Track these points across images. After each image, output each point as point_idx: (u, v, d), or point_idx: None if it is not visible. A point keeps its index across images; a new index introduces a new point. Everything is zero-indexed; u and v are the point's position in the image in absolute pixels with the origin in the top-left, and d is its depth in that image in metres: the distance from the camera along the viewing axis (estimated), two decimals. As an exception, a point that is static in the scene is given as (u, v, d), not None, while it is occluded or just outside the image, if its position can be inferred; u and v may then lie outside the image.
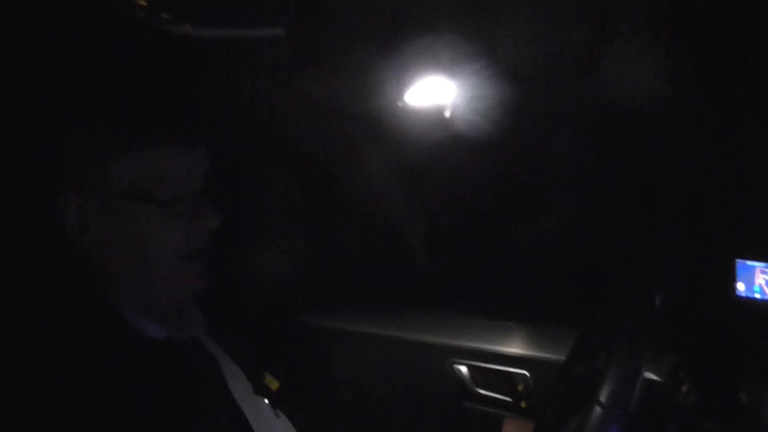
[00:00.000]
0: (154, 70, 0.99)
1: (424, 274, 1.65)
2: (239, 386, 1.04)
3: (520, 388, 1.37)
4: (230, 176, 1.06)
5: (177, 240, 0.92)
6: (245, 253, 1.36)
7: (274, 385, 1.11)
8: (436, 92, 1.12)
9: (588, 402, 0.80)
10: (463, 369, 1.46)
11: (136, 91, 0.93)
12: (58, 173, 0.90)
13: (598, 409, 0.77)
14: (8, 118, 0.97)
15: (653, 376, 1.12)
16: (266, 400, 1.08)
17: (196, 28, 0.93)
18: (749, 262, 1.14)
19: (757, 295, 1.13)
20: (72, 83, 0.96)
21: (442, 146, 1.30)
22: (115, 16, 0.94)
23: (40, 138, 0.93)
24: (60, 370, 0.81)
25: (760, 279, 1.13)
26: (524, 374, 1.36)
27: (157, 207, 0.89)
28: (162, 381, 0.88)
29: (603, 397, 0.78)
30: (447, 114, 1.15)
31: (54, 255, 0.93)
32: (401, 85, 1.10)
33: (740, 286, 1.14)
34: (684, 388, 0.98)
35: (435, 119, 1.16)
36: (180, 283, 0.95)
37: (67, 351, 0.83)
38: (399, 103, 1.15)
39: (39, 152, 0.92)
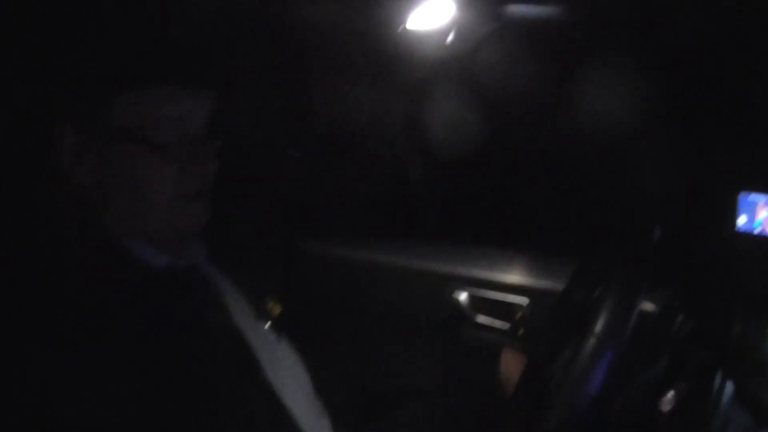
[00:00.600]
0: (157, 9, 0.97)
1: (425, 203, 1.66)
2: (241, 312, 1.05)
3: (518, 315, 1.39)
4: (233, 111, 1.04)
5: (172, 181, 0.91)
6: (247, 181, 1.36)
7: (276, 309, 1.13)
8: (438, 16, 1.08)
9: (583, 332, 0.81)
10: (463, 296, 1.48)
11: (138, 29, 0.91)
12: (56, 105, 0.89)
13: (592, 340, 0.78)
14: (10, 49, 0.96)
15: (649, 307, 1.14)
16: (268, 325, 1.10)
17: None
18: (752, 195, 1.13)
19: (758, 230, 1.13)
20: (75, 18, 0.94)
21: (444, 72, 1.27)
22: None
23: (40, 69, 0.92)
24: (60, 297, 0.82)
25: (762, 213, 1.12)
26: (523, 302, 1.38)
27: (149, 148, 0.88)
28: (163, 308, 0.90)
29: (598, 328, 0.79)
30: (449, 39, 1.11)
31: (52, 183, 0.93)
32: (403, 9, 1.07)
33: (741, 220, 1.14)
34: (679, 320, 1.00)
35: (437, 44, 1.13)
36: (178, 221, 0.95)
37: (67, 278, 0.84)
38: (400, 28, 1.11)
39: (39, 83, 0.91)
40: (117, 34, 0.90)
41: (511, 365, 1.18)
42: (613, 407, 0.88)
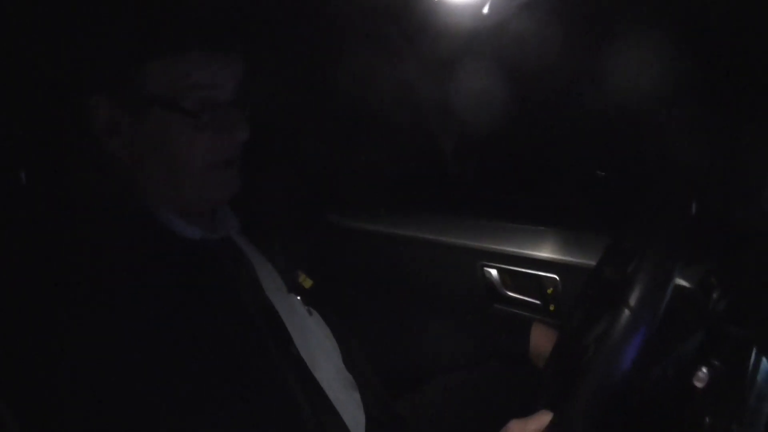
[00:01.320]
0: None
1: (456, 178, 1.64)
2: (272, 285, 1.06)
3: (549, 291, 1.38)
4: (263, 83, 1.04)
5: (204, 150, 0.92)
6: (278, 155, 1.36)
7: (308, 283, 1.14)
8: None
9: (616, 305, 0.80)
10: (494, 272, 1.48)
11: None
12: (89, 76, 0.90)
13: (626, 312, 0.77)
14: (40, 23, 0.96)
15: (684, 283, 1.12)
16: (299, 298, 1.11)
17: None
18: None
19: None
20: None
21: (478, 44, 1.25)
22: None
23: (71, 40, 0.92)
24: (97, 268, 0.83)
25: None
26: (554, 278, 1.37)
27: (183, 115, 0.89)
28: (196, 280, 0.90)
29: (632, 301, 0.78)
30: (485, 9, 1.09)
31: (86, 155, 0.94)
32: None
33: (780, 194, 1.11)
34: (714, 295, 0.98)
35: (472, 15, 1.11)
36: (210, 190, 0.96)
37: (103, 250, 0.85)
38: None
39: (69, 55, 0.92)
40: (145, 2, 0.90)
41: (542, 340, 1.17)
42: (646, 382, 0.88)
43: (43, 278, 0.83)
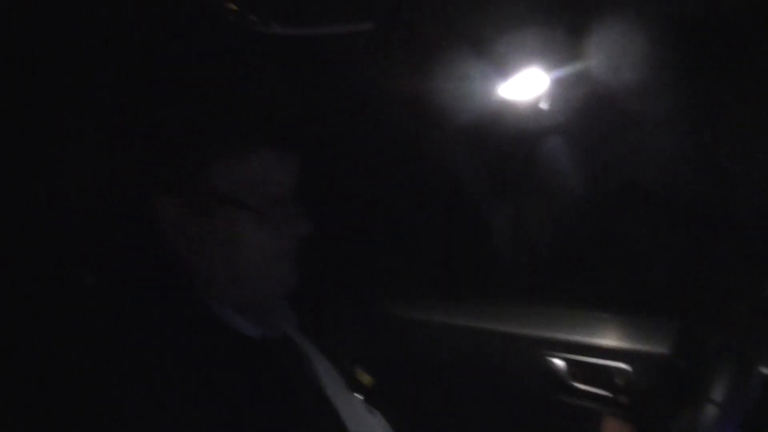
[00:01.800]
0: (247, 74, 1.01)
1: (514, 267, 1.62)
2: (332, 383, 1.04)
3: (619, 382, 1.32)
4: (320, 178, 1.06)
5: (268, 243, 0.93)
6: (332, 248, 1.37)
7: (366, 379, 1.12)
8: (532, 85, 1.08)
9: (699, 399, 0.76)
10: (558, 362, 1.42)
11: (232, 95, 0.95)
12: (155, 176, 0.93)
13: (711, 408, 0.73)
14: (109, 125, 1.01)
15: None
16: (360, 397, 1.08)
17: (285, 28, 0.94)
18: None
19: None
20: (169, 88, 0.99)
21: (534, 140, 1.26)
22: (208, 19, 0.95)
23: (137, 141, 0.96)
24: (159, 367, 0.83)
25: None
26: (624, 368, 1.31)
27: (248, 212, 0.91)
28: (256, 378, 0.90)
29: (716, 395, 0.73)
30: (543, 106, 1.11)
31: (151, 256, 0.95)
32: (496, 79, 1.07)
33: None
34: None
35: (530, 113, 1.13)
36: (271, 283, 0.97)
37: (166, 349, 0.85)
38: (494, 98, 1.12)
39: (138, 155, 0.95)
40: (212, 102, 0.94)
41: (615, 435, 1.11)
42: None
43: (106, 372, 0.83)
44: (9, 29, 0.93)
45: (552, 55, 1.03)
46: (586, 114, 1.15)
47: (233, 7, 0.90)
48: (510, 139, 1.27)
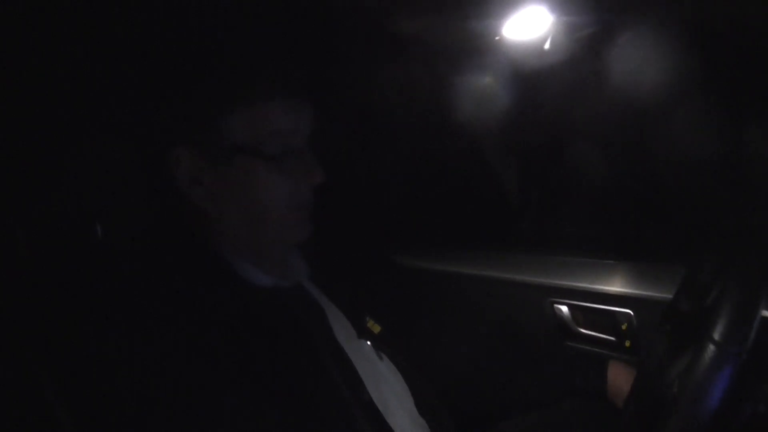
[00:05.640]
0: (265, 27, 1.00)
1: (520, 214, 1.63)
2: (342, 330, 1.06)
3: (623, 327, 1.34)
4: (332, 128, 1.06)
5: (285, 193, 0.94)
6: (342, 199, 1.38)
7: (376, 328, 1.14)
8: (535, 24, 1.06)
9: (699, 340, 0.77)
10: (564, 309, 1.44)
11: (248, 47, 0.95)
12: (171, 128, 0.93)
13: (711, 347, 0.74)
14: (127, 77, 1.01)
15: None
16: (369, 343, 1.10)
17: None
18: None
19: None
20: (185, 41, 0.99)
21: (539, 81, 1.25)
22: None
23: (155, 94, 0.96)
24: (173, 318, 0.84)
25: None
26: (628, 313, 1.32)
27: (266, 162, 0.92)
28: (270, 327, 0.92)
29: (717, 335, 0.75)
30: (546, 46, 1.10)
31: (167, 207, 0.97)
32: (499, 18, 1.06)
33: None
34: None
35: (533, 52, 1.11)
36: (287, 232, 0.98)
37: (181, 300, 0.86)
38: (497, 37, 1.10)
39: (153, 107, 0.96)
40: (226, 54, 0.93)
41: (619, 378, 1.14)
42: (736, 421, 0.83)
43: (120, 326, 0.85)
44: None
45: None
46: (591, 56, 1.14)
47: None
48: (516, 82, 1.26)
